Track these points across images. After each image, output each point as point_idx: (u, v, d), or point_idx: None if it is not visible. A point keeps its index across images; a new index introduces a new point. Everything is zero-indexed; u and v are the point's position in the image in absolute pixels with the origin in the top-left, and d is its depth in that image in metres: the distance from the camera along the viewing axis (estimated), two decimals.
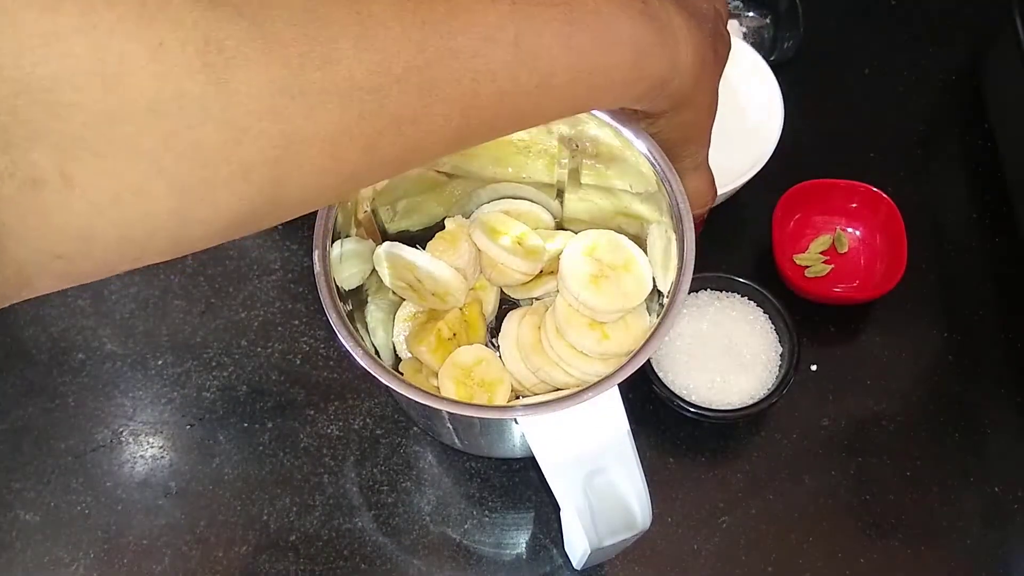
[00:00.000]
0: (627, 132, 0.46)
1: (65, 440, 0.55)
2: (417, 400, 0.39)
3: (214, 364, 0.58)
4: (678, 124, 0.37)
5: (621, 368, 0.39)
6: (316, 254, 0.43)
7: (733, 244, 0.61)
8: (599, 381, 0.39)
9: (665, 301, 0.42)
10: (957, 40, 0.70)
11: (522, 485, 0.54)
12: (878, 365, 0.58)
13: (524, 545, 0.53)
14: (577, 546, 0.41)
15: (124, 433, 0.56)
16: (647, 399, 0.55)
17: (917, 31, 0.71)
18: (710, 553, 0.52)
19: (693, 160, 0.40)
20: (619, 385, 0.39)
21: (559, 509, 0.39)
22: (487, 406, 0.39)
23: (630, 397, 0.40)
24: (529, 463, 0.54)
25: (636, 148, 0.46)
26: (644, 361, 0.40)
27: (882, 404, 0.57)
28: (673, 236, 0.45)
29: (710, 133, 0.39)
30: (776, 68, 0.66)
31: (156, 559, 0.52)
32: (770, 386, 0.54)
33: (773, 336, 0.56)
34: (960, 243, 0.63)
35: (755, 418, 0.56)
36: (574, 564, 0.46)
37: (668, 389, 0.53)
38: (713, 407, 0.53)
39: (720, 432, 0.56)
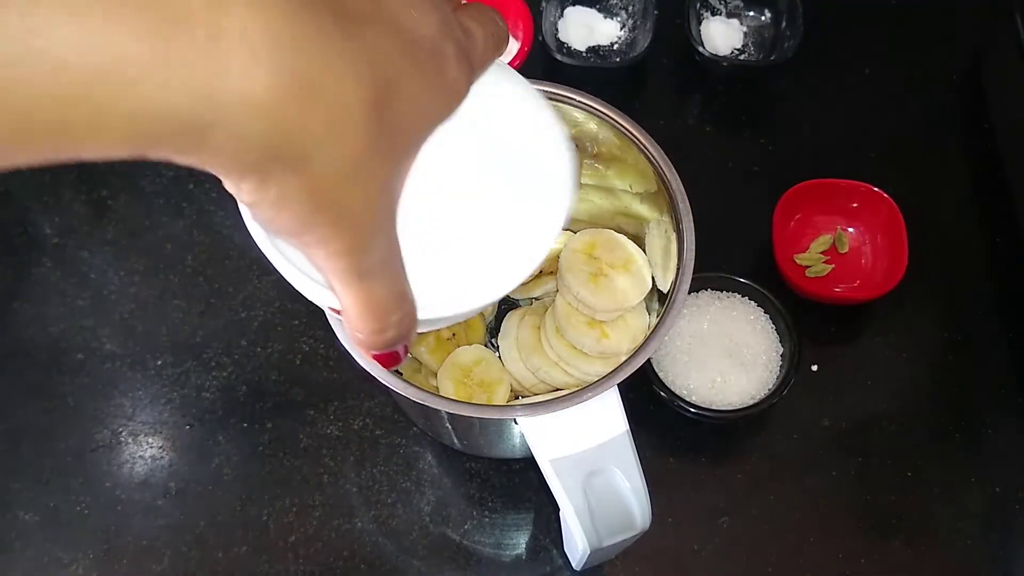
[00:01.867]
0: (627, 131, 0.46)
1: (64, 440, 0.55)
2: (417, 400, 0.39)
3: (214, 364, 0.58)
4: (281, 201, 0.21)
5: (621, 368, 0.39)
6: None
7: (733, 244, 0.61)
8: (599, 381, 0.39)
9: (665, 301, 0.42)
10: (957, 40, 0.70)
11: (522, 485, 0.54)
12: (878, 365, 0.58)
13: (524, 546, 0.53)
14: (577, 546, 0.41)
15: (123, 433, 0.56)
16: (647, 399, 0.54)
17: (917, 31, 0.71)
18: (710, 553, 0.52)
19: (339, 260, 0.23)
20: (619, 385, 0.39)
21: (559, 509, 0.39)
22: (487, 406, 0.39)
23: (630, 397, 0.40)
24: (529, 463, 0.54)
25: (636, 148, 0.46)
26: (644, 361, 0.40)
27: (882, 404, 0.57)
28: (673, 236, 0.45)
29: (378, 214, 0.23)
30: (776, 68, 0.66)
31: (156, 559, 0.52)
32: (771, 386, 0.54)
33: (774, 336, 0.55)
34: (960, 243, 0.63)
35: (755, 418, 0.55)
36: (574, 564, 0.46)
37: (668, 389, 0.53)
38: (713, 407, 0.53)
39: (720, 432, 0.56)
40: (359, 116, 0.21)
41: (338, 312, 0.28)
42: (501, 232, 0.30)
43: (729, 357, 0.55)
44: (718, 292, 0.57)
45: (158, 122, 0.19)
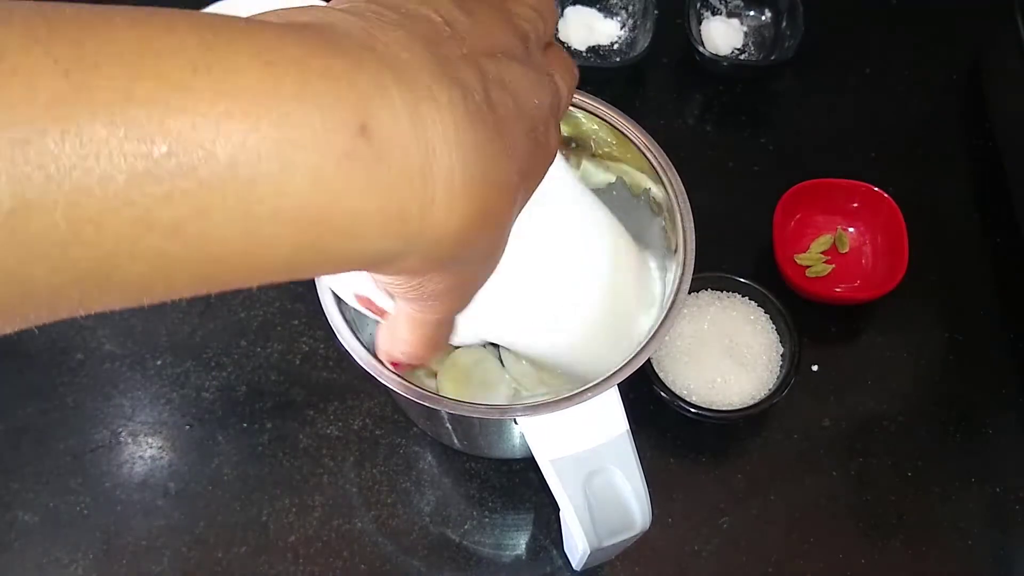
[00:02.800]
0: (627, 131, 0.46)
1: (64, 440, 0.55)
2: (417, 400, 0.39)
3: (213, 364, 0.57)
4: (422, 286, 0.23)
5: (621, 368, 0.39)
6: None
7: (733, 244, 0.61)
8: (599, 381, 0.39)
9: (665, 301, 0.42)
10: (957, 40, 0.70)
11: (522, 485, 0.54)
12: (879, 365, 0.58)
13: (524, 546, 0.53)
14: (577, 546, 0.41)
15: (123, 433, 0.56)
16: (647, 399, 0.54)
17: (917, 31, 0.71)
18: (710, 553, 0.52)
19: (435, 315, 0.26)
20: (619, 385, 0.39)
21: (559, 509, 0.39)
22: (487, 406, 0.39)
23: (630, 397, 0.40)
24: (529, 463, 0.54)
25: (636, 147, 0.46)
26: (644, 361, 0.40)
27: (883, 404, 0.57)
28: (673, 236, 0.45)
29: (477, 290, 0.25)
30: (776, 68, 0.66)
31: (155, 560, 0.52)
32: (771, 386, 0.54)
33: (774, 336, 0.55)
34: (960, 243, 0.63)
35: (756, 418, 0.55)
36: (574, 565, 0.46)
37: (668, 389, 0.53)
38: (714, 407, 0.53)
39: (720, 432, 0.56)
40: (509, 222, 0.23)
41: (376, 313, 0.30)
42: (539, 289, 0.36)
43: (729, 357, 0.55)
44: (718, 292, 0.57)
45: (362, 259, 0.21)
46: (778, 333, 0.55)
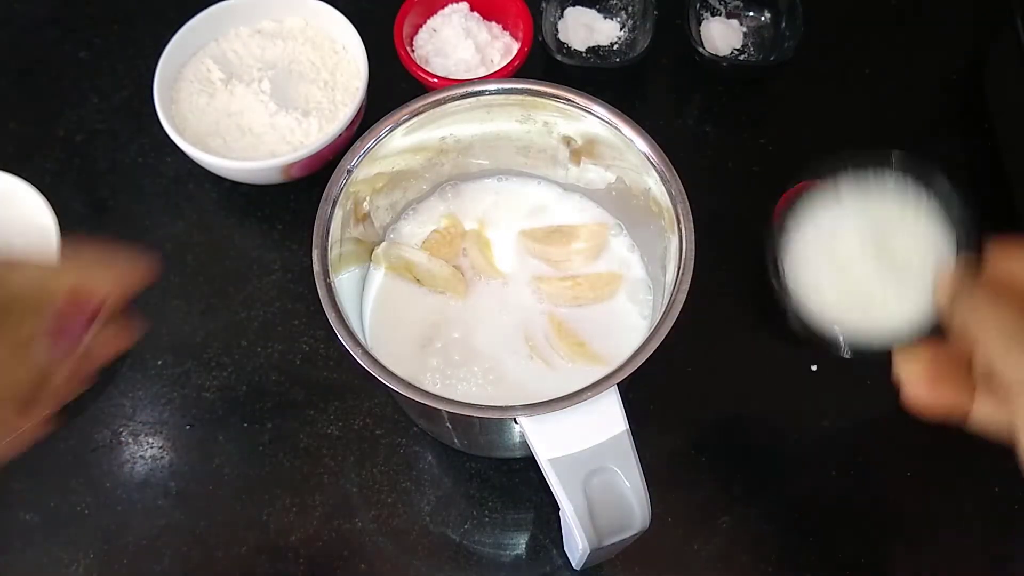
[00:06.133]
0: (627, 131, 0.46)
1: (65, 440, 0.55)
2: (417, 400, 0.39)
3: (214, 364, 0.58)
4: None
5: (621, 368, 0.39)
6: (315, 254, 0.43)
7: (733, 244, 0.61)
8: (599, 381, 0.39)
9: (665, 301, 0.42)
10: (957, 40, 0.70)
11: (522, 485, 0.54)
12: (879, 365, 0.58)
13: (524, 545, 0.53)
14: (577, 546, 0.41)
15: (124, 433, 0.56)
16: (647, 399, 0.55)
17: (917, 31, 0.71)
18: (710, 553, 0.52)
19: None
20: (619, 385, 0.39)
21: (559, 509, 0.39)
22: (487, 406, 0.39)
23: (630, 397, 0.40)
24: (529, 463, 0.54)
25: (636, 148, 0.46)
26: (643, 361, 0.40)
27: (883, 404, 0.57)
28: (673, 236, 0.45)
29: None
30: (776, 68, 0.66)
31: (156, 559, 0.52)
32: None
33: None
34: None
35: (756, 418, 0.55)
36: (574, 564, 0.46)
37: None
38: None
39: (721, 432, 0.56)
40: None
41: None
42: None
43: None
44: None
45: None
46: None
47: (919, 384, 0.34)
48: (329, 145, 0.57)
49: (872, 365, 0.58)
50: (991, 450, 0.56)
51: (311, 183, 0.59)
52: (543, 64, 0.66)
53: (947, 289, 0.33)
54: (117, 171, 0.64)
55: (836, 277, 0.39)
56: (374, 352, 0.41)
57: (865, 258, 0.39)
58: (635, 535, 0.40)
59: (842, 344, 0.40)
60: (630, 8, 0.68)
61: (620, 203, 0.52)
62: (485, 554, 0.53)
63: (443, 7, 0.66)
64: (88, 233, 0.61)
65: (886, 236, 0.40)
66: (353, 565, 0.52)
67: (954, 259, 0.37)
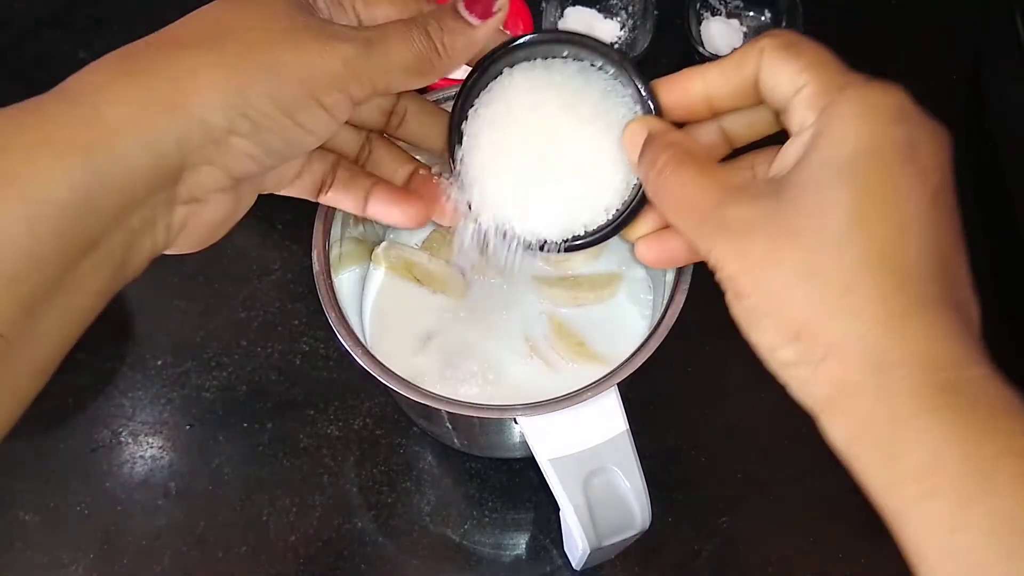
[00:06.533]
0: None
1: (65, 440, 0.55)
2: (417, 400, 0.39)
3: (214, 364, 0.57)
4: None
5: (621, 368, 0.39)
6: (315, 254, 0.43)
7: None
8: (599, 381, 0.39)
9: (665, 300, 0.42)
10: (957, 40, 0.70)
11: (522, 485, 0.54)
12: None
13: (524, 546, 0.53)
14: (577, 546, 0.41)
15: (124, 433, 0.56)
16: (647, 399, 0.55)
17: (917, 31, 0.71)
18: (710, 553, 0.52)
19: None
20: (619, 385, 0.39)
21: (559, 509, 0.39)
22: (487, 406, 0.39)
23: (630, 397, 0.40)
24: (529, 463, 0.54)
25: None
26: (644, 361, 0.40)
27: None
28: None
29: None
30: None
31: (156, 559, 0.52)
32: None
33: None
34: None
35: (757, 418, 0.55)
36: (574, 564, 0.46)
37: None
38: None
39: (721, 432, 0.56)
40: None
41: None
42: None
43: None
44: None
45: None
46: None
47: (647, 248, 0.35)
48: None
49: None
50: None
51: None
52: None
53: (635, 151, 0.33)
54: None
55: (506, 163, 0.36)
56: (374, 352, 0.41)
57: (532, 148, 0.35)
58: (635, 535, 0.40)
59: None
60: (630, 8, 0.68)
61: None
62: (485, 554, 0.53)
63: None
64: None
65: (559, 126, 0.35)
66: (353, 565, 0.52)
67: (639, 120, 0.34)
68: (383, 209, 0.37)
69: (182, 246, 0.31)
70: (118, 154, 0.26)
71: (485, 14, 0.32)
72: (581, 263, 0.52)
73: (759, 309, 0.27)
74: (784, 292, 0.26)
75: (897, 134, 0.26)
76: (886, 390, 0.24)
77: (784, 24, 0.67)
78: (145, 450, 0.55)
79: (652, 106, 0.34)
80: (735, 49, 0.31)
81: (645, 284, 0.51)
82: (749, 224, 0.27)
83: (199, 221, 0.30)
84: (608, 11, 0.69)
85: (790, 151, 0.28)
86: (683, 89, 0.33)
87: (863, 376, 0.24)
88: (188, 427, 0.56)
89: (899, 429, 0.23)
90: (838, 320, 0.25)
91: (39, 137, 0.25)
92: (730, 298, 0.28)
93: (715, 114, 0.32)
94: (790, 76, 0.29)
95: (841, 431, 0.26)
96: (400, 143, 0.39)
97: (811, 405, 0.26)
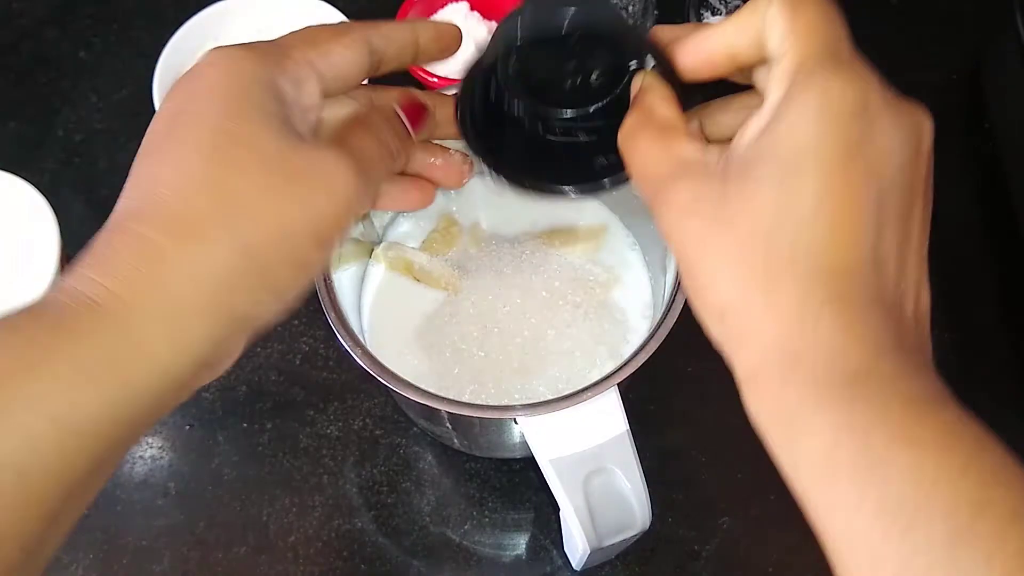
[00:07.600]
0: None
1: None
2: (417, 400, 0.39)
3: None
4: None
5: (621, 368, 0.39)
6: None
7: None
8: (599, 381, 0.39)
9: (665, 300, 0.42)
10: (957, 40, 0.70)
11: (522, 485, 0.54)
12: None
13: (524, 546, 0.53)
14: (577, 546, 0.41)
15: None
16: (647, 399, 0.54)
17: (917, 31, 0.71)
18: (710, 553, 0.52)
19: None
20: (619, 385, 0.39)
21: (559, 509, 0.39)
22: (487, 406, 0.39)
23: (630, 397, 0.40)
24: (529, 463, 0.54)
25: None
26: (644, 361, 0.40)
27: None
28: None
29: None
30: None
31: (155, 560, 0.52)
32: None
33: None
34: (960, 243, 0.63)
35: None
36: (574, 564, 0.46)
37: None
38: None
39: (721, 432, 0.56)
40: None
41: None
42: None
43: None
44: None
45: None
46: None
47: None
48: None
49: None
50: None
51: None
52: None
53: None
54: (117, 171, 0.64)
55: None
56: (374, 352, 0.41)
57: None
58: (635, 535, 0.40)
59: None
60: (630, 8, 0.68)
61: (621, 202, 0.52)
62: (485, 554, 0.53)
63: (443, 6, 0.66)
64: (88, 233, 0.61)
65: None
66: (353, 565, 0.52)
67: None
68: (387, 201, 0.38)
69: None
70: (156, 372, 0.26)
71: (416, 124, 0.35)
72: (581, 262, 0.52)
73: (696, 284, 0.28)
74: (715, 274, 0.27)
75: (849, 133, 0.26)
76: (791, 382, 0.25)
77: None
78: (145, 450, 0.55)
79: (656, 62, 0.33)
80: None
81: (645, 284, 0.51)
82: (692, 203, 0.27)
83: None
84: None
85: (751, 127, 0.28)
86: (700, 47, 0.32)
87: (772, 366, 0.26)
88: (188, 427, 0.56)
89: (801, 419, 0.25)
90: (757, 311, 0.26)
91: (71, 361, 0.25)
92: (679, 268, 0.29)
93: (740, 68, 0.31)
94: (779, 38, 0.28)
95: (754, 410, 0.28)
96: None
97: (736, 378, 0.28)
